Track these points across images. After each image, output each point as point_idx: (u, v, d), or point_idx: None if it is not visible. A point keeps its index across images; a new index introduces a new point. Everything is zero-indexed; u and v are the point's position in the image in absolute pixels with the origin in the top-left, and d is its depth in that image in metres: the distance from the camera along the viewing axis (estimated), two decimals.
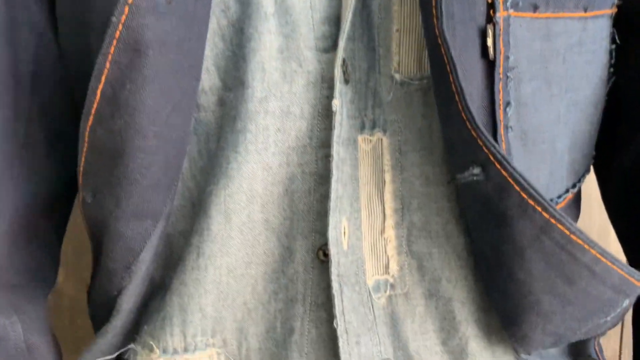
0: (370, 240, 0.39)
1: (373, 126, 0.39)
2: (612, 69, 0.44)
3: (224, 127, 0.38)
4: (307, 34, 0.38)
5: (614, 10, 0.43)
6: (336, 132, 0.36)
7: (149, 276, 0.41)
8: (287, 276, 0.39)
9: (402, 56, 0.38)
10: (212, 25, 0.38)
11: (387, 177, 0.39)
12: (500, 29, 0.36)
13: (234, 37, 0.38)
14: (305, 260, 0.38)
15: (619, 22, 0.43)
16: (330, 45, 0.37)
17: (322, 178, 0.38)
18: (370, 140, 0.39)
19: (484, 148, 0.33)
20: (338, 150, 0.36)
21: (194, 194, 0.40)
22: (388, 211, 0.39)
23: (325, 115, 0.38)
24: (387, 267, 0.39)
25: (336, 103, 0.35)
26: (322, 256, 0.38)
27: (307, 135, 0.38)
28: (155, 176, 0.36)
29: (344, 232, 0.37)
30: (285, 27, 0.37)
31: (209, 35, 0.38)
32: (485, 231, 0.37)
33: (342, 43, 0.36)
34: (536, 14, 0.38)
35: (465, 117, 0.33)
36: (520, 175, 0.33)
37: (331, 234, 0.36)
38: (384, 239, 0.39)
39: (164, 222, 0.39)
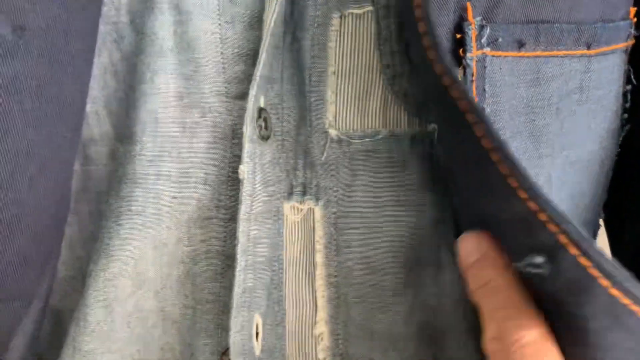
0: (297, 339, 0.31)
1: (304, 192, 0.30)
2: (626, 115, 0.35)
3: (112, 189, 0.30)
4: (215, 76, 0.29)
5: (630, 43, 0.33)
6: (244, 208, 0.27)
7: None
8: None
9: (340, 106, 0.29)
10: (103, 58, 0.30)
11: (319, 258, 0.30)
12: (472, 73, 0.27)
13: (127, 75, 0.30)
14: None
15: (635, 56, 0.33)
16: (245, 91, 0.29)
17: (232, 259, 0.29)
18: (300, 210, 0.30)
19: (551, 226, 0.22)
20: (247, 229, 0.28)
21: (85, 266, 0.32)
22: (320, 301, 0.30)
23: (237, 179, 0.29)
24: None
25: (243, 170, 0.27)
26: None
27: (213, 205, 0.29)
28: (21, 252, 0.28)
29: (256, 333, 0.29)
30: (186, 67, 0.29)
31: (99, 71, 0.30)
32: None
33: (253, 89, 0.27)
34: (522, 53, 0.28)
35: (516, 185, 0.23)
36: (614, 265, 0.21)
37: (234, 338, 0.28)
38: (315, 336, 0.31)
39: (42, 301, 0.31)
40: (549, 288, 0.23)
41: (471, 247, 0.27)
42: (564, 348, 0.23)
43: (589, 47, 0.30)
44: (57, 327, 0.33)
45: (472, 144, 0.23)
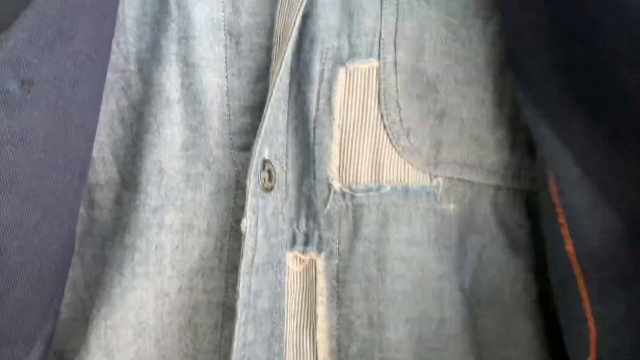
0: None
1: (306, 242, 0.30)
2: None
3: (116, 235, 0.30)
4: (220, 128, 0.29)
5: None
6: (245, 261, 0.27)
7: None
8: None
9: (344, 160, 0.29)
10: (111, 106, 0.31)
11: (321, 310, 0.30)
12: None
13: (134, 123, 0.30)
14: None
15: None
16: (250, 142, 0.29)
17: (233, 310, 0.29)
18: (302, 260, 0.30)
19: None
20: (249, 283, 0.28)
21: (88, 308, 0.32)
22: (321, 354, 0.30)
23: (239, 230, 0.29)
24: None
25: (245, 224, 0.27)
26: None
27: (215, 255, 0.29)
28: (24, 296, 0.29)
29: None
30: (192, 118, 0.29)
31: (106, 118, 0.31)
32: None
33: (257, 144, 0.27)
34: None
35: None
36: None
37: None
38: None
39: (44, 345, 0.31)
40: None
41: None
42: None
43: None
44: None
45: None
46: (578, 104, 0.25)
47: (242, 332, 0.28)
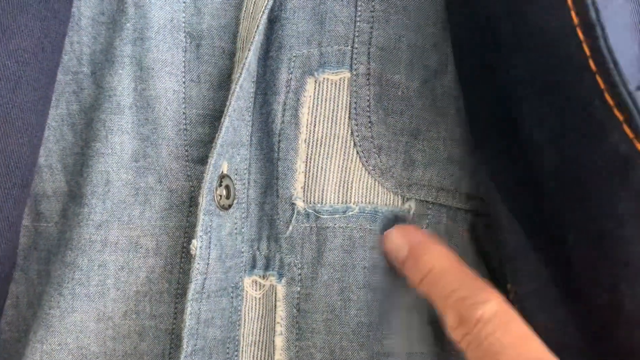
0: None
1: (267, 266, 0.28)
2: None
3: (58, 253, 0.28)
4: (175, 138, 0.27)
5: None
6: (194, 286, 0.25)
7: None
8: None
9: (310, 178, 0.27)
10: (61, 110, 0.28)
11: (279, 341, 0.27)
12: None
13: (84, 130, 0.28)
14: None
15: None
16: (208, 155, 0.27)
17: (182, 339, 0.27)
18: (262, 286, 0.28)
19: None
20: (197, 310, 0.25)
21: (30, 328, 0.30)
22: None
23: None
24: None
25: (196, 245, 0.24)
26: None
27: (164, 278, 0.27)
28: None
29: None
30: (144, 126, 0.27)
31: (55, 123, 0.28)
32: None
33: (212, 157, 0.25)
34: None
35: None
36: None
37: None
38: None
39: None
40: None
41: (399, 241, 0.26)
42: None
43: None
44: None
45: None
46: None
47: None
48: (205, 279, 0.25)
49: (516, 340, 0.21)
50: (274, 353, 0.28)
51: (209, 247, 0.25)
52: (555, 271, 0.23)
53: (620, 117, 0.18)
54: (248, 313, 0.28)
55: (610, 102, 0.18)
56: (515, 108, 0.22)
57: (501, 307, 0.22)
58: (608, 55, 0.18)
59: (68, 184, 0.28)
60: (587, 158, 0.19)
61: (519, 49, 0.22)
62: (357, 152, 0.27)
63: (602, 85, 0.19)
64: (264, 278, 0.28)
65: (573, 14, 0.19)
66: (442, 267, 0.24)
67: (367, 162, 0.27)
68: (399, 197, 0.27)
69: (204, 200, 0.25)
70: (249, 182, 0.27)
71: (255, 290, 0.28)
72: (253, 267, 0.28)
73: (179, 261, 0.27)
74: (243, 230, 0.27)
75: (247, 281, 0.28)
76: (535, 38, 0.21)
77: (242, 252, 0.27)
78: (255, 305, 0.28)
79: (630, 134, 0.18)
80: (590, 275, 0.21)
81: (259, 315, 0.28)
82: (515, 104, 0.22)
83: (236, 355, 0.27)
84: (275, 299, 0.28)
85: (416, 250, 0.25)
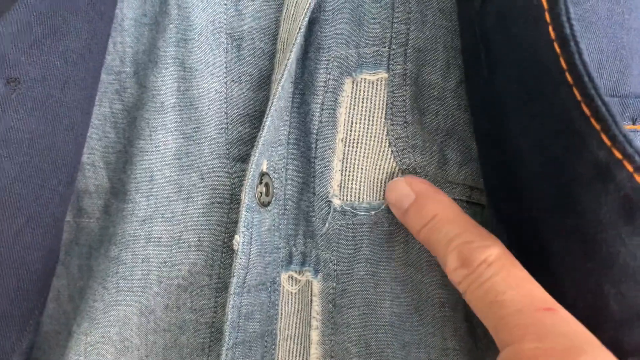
0: None
1: (303, 262, 0.28)
2: None
3: (102, 246, 0.29)
4: (217, 137, 0.28)
5: None
6: (236, 280, 0.25)
7: None
8: None
9: (345, 176, 0.28)
10: (104, 109, 0.29)
11: (315, 335, 0.28)
12: None
13: (127, 128, 0.29)
14: None
15: None
16: (248, 153, 0.27)
17: (221, 332, 0.27)
18: (298, 281, 0.28)
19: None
20: (239, 304, 0.26)
21: (71, 322, 0.30)
22: None
23: (232, 246, 0.27)
24: None
25: (238, 241, 0.25)
26: None
27: (205, 272, 0.28)
28: (2, 307, 0.27)
29: None
30: (187, 125, 0.27)
31: (98, 121, 0.29)
32: None
33: (254, 155, 0.25)
34: None
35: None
36: None
37: None
38: None
39: (22, 358, 0.29)
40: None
41: (403, 190, 0.26)
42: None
43: (634, 122, 0.28)
44: None
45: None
46: None
47: (230, 356, 0.26)
48: (246, 273, 0.26)
49: (520, 282, 0.22)
50: (309, 347, 0.28)
51: (250, 243, 0.26)
52: (536, 277, 0.23)
53: (598, 127, 0.19)
54: (284, 307, 0.28)
55: (587, 112, 0.19)
56: (502, 117, 0.23)
57: (504, 252, 0.23)
58: (582, 69, 0.19)
59: (110, 181, 0.29)
60: (569, 166, 0.20)
61: (505, 59, 0.22)
62: (392, 151, 0.27)
63: (578, 97, 0.19)
64: (300, 274, 0.28)
65: (550, 28, 0.20)
66: (446, 215, 0.25)
67: (401, 161, 0.27)
68: None
69: (246, 197, 0.25)
70: (286, 180, 0.28)
71: (292, 286, 0.28)
72: (289, 262, 0.28)
73: (220, 256, 0.28)
74: (280, 226, 0.28)
75: (284, 276, 0.28)
76: (519, 51, 0.21)
77: (280, 248, 0.28)
78: (292, 300, 0.29)
79: (608, 142, 0.19)
80: (574, 279, 0.21)
81: (295, 310, 0.29)
82: (502, 114, 0.23)
83: (273, 349, 0.28)
84: (311, 294, 0.28)
85: (421, 199, 0.26)
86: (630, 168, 0.18)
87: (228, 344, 0.25)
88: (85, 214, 0.30)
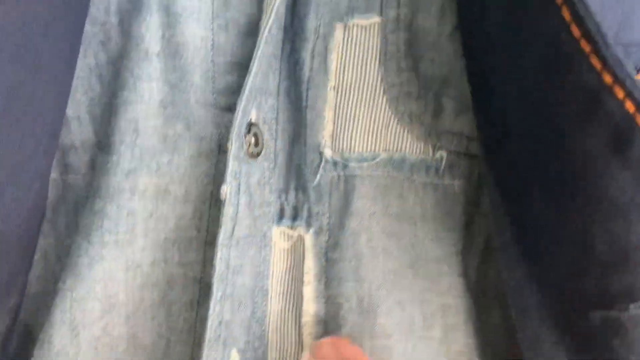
0: None
1: (295, 216, 0.28)
2: None
3: (86, 202, 0.28)
4: (203, 85, 0.27)
5: None
6: (224, 231, 0.25)
7: None
8: None
9: (338, 126, 0.27)
10: (89, 60, 0.28)
11: (308, 291, 0.27)
12: None
13: (112, 81, 0.28)
14: None
15: None
16: (236, 102, 0.26)
17: (210, 287, 0.27)
18: (290, 236, 0.28)
19: None
20: (227, 256, 0.25)
21: (57, 281, 0.30)
22: (306, 340, 0.27)
23: (220, 198, 0.26)
24: None
25: (225, 190, 0.24)
26: None
27: (193, 225, 0.27)
28: None
29: None
30: (172, 73, 0.27)
31: (84, 73, 0.28)
32: None
33: (241, 102, 0.24)
34: None
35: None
36: None
37: None
38: None
39: (8, 318, 0.29)
40: None
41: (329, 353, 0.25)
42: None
43: (637, 71, 0.27)
44: (27, 344, 0.31)
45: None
46: None
47: (218, 310, 0.25)
48: (234, 225, 0.25)
49: None
50: (302, 304, 0.27)
51: (238, 194, 0.25)
52: (518, 229, 0.22)
53: (587, 49, 0.18)
54: (276, 264, 0.28)
55: (577, 33, 0.18)
56: (493, 55, 0.22)
57: None
58: None
59: (96, 135, 0.28)
60: (555, 94, 0.19)
61: None
62: (387, 99, 0.26)
63: (567, 18, 0.18)
64: (292, 229, 0.28)
65: None
66: None
67: (396, 109, 0.26)
68: (429, 146, 0.27)
69: (233, 146, 0.24)
70: (276, 132, 0.27)
71: (284, 241, 0.28)
72: (281, 217, 0.28)
73: (208, 209, 0.27)
74: (271, 180, 0.27)
75: (276, 232, 0.28)
76: None
77: (270, 203, 0.27)
78: (284, 256, 0.28)
79: (598, 65, 0.18)
80: (560, 222, 0.20)
81: (287, 267, 0.28)
82: (492, 51, 0.22)
83: (264, 306, 0.27)
84: (303, 249, 0.27)
85: None
86: (620, 94, 0.17)
87: (216, 297, 0.25)
88: (72, 170, 0.29)
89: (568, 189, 0.20)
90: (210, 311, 0.25)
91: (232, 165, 0.25)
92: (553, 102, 0.19)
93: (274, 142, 0.27)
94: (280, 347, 0.28)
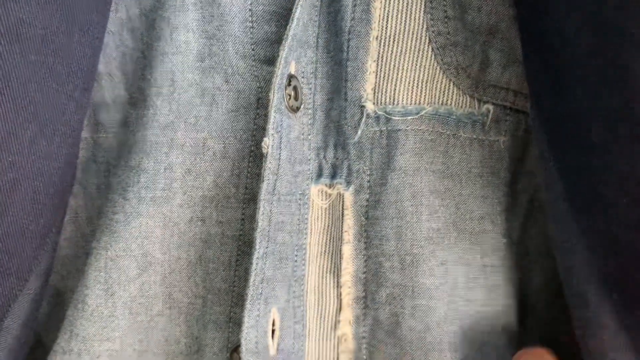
0: (318, 339, 0.27)
1: (333, 174, 0.27)
2: None
3: (121, 158, 0.27)
4: (241, 36, 0.26)
5: None
6: (266, 186, 0.24)
7: (28, 344, 0.30)
8: None
9: (381, 78, 0.26)
10: (120, 14, 0.27)
11: (347, 250, 0.27)
12: None
13: (146, 33, 0.27)
14: None
15: None
16: (275, 55, 0.26)
17: (249, 245, 0.26)
18: (329, 195, 0.27)
19: None
20: (269, 211, 0.24)
21: (89, 244, 0.29)
22: (345, 298, 0.27)
23: (260, 155, 0.26)
24: None
25: (267, 143, 0.24)
26: (238, 359, 0.26)
27: (232, 182, 0.26)
28: (17, 222, 0.26)
29: (272, 331, 0.25)
30: (209, 24, 0.26)
31: (115, 28, 0.27)
32: None
33: (283, 50, 0.24)
34: None
35: None
36: None
37: (247, 334, 0.24)
38: (337, 337, 0.27)
39: (40, 279, 0.28)
40: None
41: None
42: None
43: None
44: (57, 308, 0.31)
45: None
46: None
47: (260, 266, 0.24)
48: (276, 179, 0.24)
49: None
50: (341, 263, 0.27)
51: (280, 147, 0.24)
52: (570, 182, 0.21)
53: None
54: (315, 223, 0.27)
55: None
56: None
57: None
58: None
59: (128, 92, 0.28)
60: (620, 30, 0.18)
61: None
62: (432, 49, 0.25)
63: None
64: (330, 187, 0.27)
65: None
66: None
67: (442, 59, 0.25)
68: (475, 100, 0.26)
69: (274, 97, 0.24)
70: (315, 88, 0.26)
71: (322, 200, 0.27)
72: (319, 175, 0.27)
73: (247, 165, 0.26)
74: (310, 137, 0.26)
75: (314, 190, 0.27)
76: None
77: (309, 160, 0.26)
78: (322, 215, 0.27)
79: None
80: (619, 170, 0.19)
81: (325, 225, 0.27)
82: None
83: (303, 264, 0.26)
84: (342, 207, 0.27)
85: None
86: None
87: (258, 252, 0.24)
88: (103, 129, 0.28)
89: (628, 133, 0.19)
90: (253, 267, 0.24)
91: (273, 117, 0.24)
92: (616, 38, 0.18)
93: (312, 97, 0.26)
94: (319, 307, 0.27)
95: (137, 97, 0.27)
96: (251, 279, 0.24)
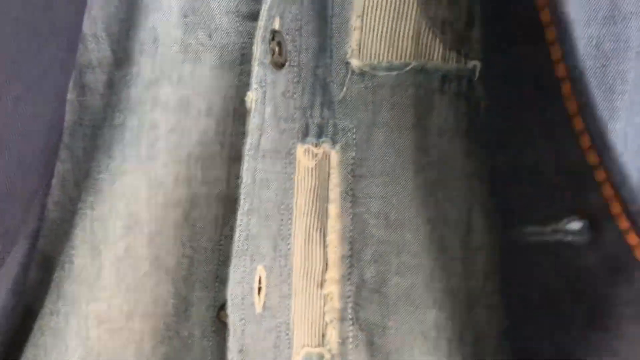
0: (303, 298, 0.27)
1: (320, 133, 0.27)
2: None
3: (106, 118, 0.27)
4: None
5: None
6: (250, 142, 0.24)
7: (17, 311, 0.30)
8: (180, 338, 0.27)
9: (365, 33, 0.26)
10: None
11: (333, 209, 0.27)
12: None
13: None
14: (204, 321, 0.27)
15: None
16: (259, 10, 0.25)
17: (236, 204, 0.26)
18: (315, 154, 0.27)
19: (607, 189, 0.18)
20: (254, 168, 0.24)
21: (75, 206, 0.29)
22: (331, 257, 0.27)
23: (245, 112, 0.26)
24: (323, 336, 0.27)
25: (251, 97, 0.23)
26: (225, 317, 0.26)
27: (217, 140, 0.26)
28: (4, 181, 0.26)
29: (259, 288, 0.25)
30: None
31: None
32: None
33: (266, 3, 0.23)
34: None
35: (581, 127, 0.19)
36: None
37: (233, 290, 0.24)
38: (323, 296, 0.27)
39: (28, 243, 0.28)
40: (581, 261, 0.20)
41: None
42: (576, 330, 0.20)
43: None
44: (45, 273, 0.31)
45: (537, 73, 0.20)
46: None
47: (245, 222, 0.24)
48: (260, 135, 0.24)
49: None
50: (327, 222, 0.27)
51: (264, 102, 0.24)
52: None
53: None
54: (301, 183, 0.27)
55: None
56: None
57: None
58: None
59: (114, 53, 0.27)
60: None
61: None
62: (417, 4, 0.25)
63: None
64: (317, 146, 0.27)
65: None
66: None
67: (427, 14, 0.25)
68: (462, 55, 0.26)
69: (258, 50, 0.24)
70: (300, 45, 0.26)
71: (309, 159, 0.27)
72: (306, 135, 0.27)
73: (232, 122, 0.26)
74: (295, 96, 0.26)
75: (300, 150, 0.27)
76: None
77: (295, 119, 0.26)
78: (308, 175, 0.27)
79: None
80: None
81: (312, 185, 0.27)
82: None
83: (289, 223, 0.26)
84: (329, 166, 0.27)
85: None
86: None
87: (243, 208, 0.24)
88: (89, 90, 0.28)
89: None
90: (238, 223, 0.24)
91: (257, 71, 0.24)
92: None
93: (298, 55, 0.26)
94: (305, 266, 0.27)
95: (122, 57, 0.27)
96: (236, 235, 0.24)
